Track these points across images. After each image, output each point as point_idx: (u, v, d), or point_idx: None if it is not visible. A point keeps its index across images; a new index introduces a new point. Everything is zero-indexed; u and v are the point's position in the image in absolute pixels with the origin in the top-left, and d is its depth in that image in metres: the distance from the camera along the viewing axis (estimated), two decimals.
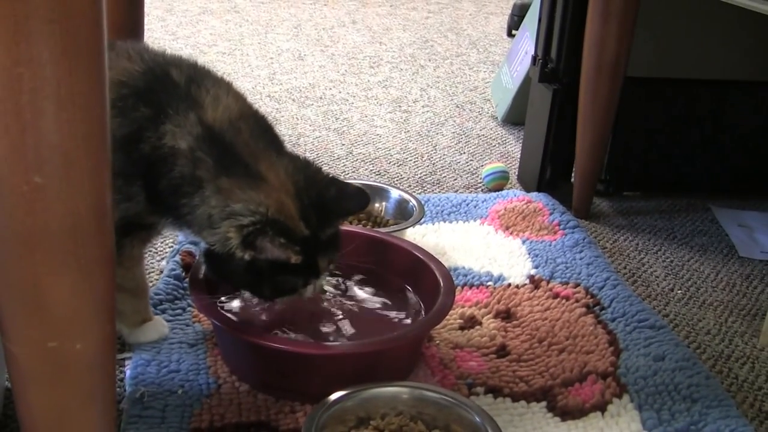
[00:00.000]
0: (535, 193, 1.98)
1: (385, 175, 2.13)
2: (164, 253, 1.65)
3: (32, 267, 0.76)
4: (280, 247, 1.14)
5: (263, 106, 2.47)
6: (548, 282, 1.61)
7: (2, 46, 0.68)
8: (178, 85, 1.18)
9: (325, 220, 1.21)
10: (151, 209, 1.20)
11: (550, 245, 1.75)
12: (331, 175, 1.26)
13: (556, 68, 2.01)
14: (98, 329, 0.81)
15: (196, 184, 1.14)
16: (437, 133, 2.45)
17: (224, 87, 1.23)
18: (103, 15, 0.72)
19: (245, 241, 1.13)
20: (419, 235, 1.74)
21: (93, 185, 0.76)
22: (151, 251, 1.63)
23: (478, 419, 1.14)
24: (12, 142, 0.71)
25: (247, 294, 1.35)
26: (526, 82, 2.33)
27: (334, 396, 1.16)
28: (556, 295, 1.56)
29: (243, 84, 2.47)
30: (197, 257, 1.44)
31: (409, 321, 1.39)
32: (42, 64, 0.69)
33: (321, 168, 1.26)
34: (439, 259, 1.46)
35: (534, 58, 2.07)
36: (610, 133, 1.94)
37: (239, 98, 1.24)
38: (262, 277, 1.19)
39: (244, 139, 1.18)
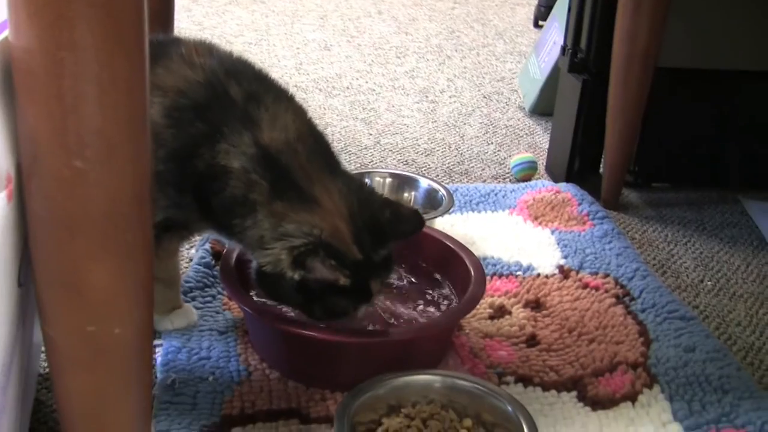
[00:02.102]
0: (563, 184, 1.97)
1: (412, 164, 2.13)
2: (194, 241, 1.65)
3: (72, 251, 0.76)
4: (330, 268, 1.14)
5: None
6: (577, 272, 1.61)
7: (45, 31, 0.69)
8: (236, 103, 1.16)
9: (378, 242, 1.20)
10: (200, 217, 1.21)
11: (579, 236, 1.74)
12: (384, 197, 1.26)
13: (585, 58, 2.00)
14: (136, 314, 0.81)
15: (249, 206, 1.14)
16: (464, 124, 2.45)
17: (284, 103, 1.21)
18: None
19: (296, 261, 1.13)
20: (448, 225, 1.73)
21: (134, 170, 0.76)
22: None
23: (509, 408, 1.14)
24: (54, 126, 0.72)
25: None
26: (555, 73, 2.32)
27: (365, 384, 1.16)
28: (585, 286, 1.56)
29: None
30: (227, 245, 1.45)
31: (440, 310, 1.39)
32: (84, 48, 0.70)
33: (374, 189, 1.25)
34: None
35: (563, 48, 2.06)
36: (639, 124, 1.93)
37: (298, 115, 1.22)
38: (313, 299, 1.19)
39: (300, 161, 1.17)
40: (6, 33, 0.74)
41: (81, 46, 0.69)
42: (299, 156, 1.17)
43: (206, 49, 1.22)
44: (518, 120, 2.51)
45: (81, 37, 0.69)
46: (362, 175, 1.75)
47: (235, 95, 1.17)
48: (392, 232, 1.23)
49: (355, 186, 1.22)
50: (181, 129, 1.14)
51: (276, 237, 1.13)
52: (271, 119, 1.17)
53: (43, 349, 1.24)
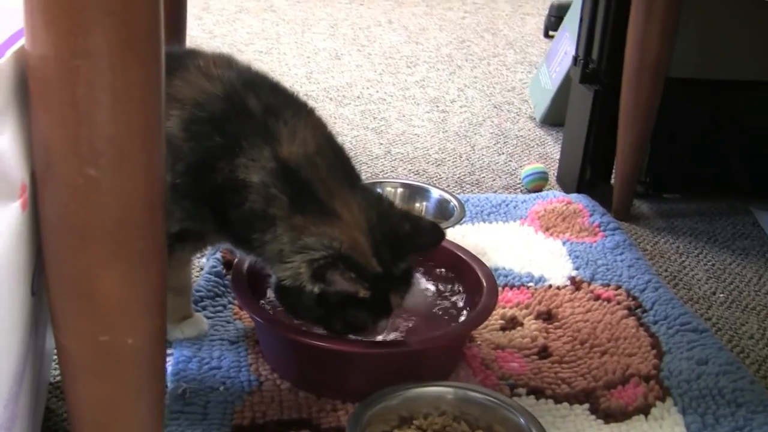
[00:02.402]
0: (575, 195, 1.97)
1: (423, 174, 2.13)
2: (205, 250, 1.65)
3: (85, 259, 0.76)
4: (350, 281, 1.13)
5: None
6: (589, 284, 1.60)
7: (60, 38, 0.69)
8: (255, 116, 1.16)
9: (398, 256, 1.19)
10: (216, 229, 1.20)
11: (590, 247, 1.74)
12: (404, 210, 1.26)
13: (597, 69, 2.00)
14: (149, 323, 0.81)
15: (268, 221, 1.14)
16: (475, 134, 2.44)
17: (303, 116, 1.21)
18: (161, 8, 0.73)
19: (315, 273, 1.12)
20: (459, 235, 1.73)
21: (146, 178, 0.76)
22: None
23: (522, 420, 1.14)
24: (68, 134, 0.72)
25: None
26: (566, 83, 2.32)
27: (377, 395, 1.16)
28: (597, 297, 1.55)
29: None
30: (239, 255, 1.44)
31: (452, 321, 1.39)
32: (99, 56, 0.70)
33: (393, 203, 1.25)
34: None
35: (575, 59, 2.06)
36: (650, 135, 1.92)
37: (318, 128, 1.22)
38: (333, 312, 1.18)
39: (319, 175, 1.16)
40: (22, 41, 0.74)
41: (96, 54, 0.69)
42: (319, 170, 1.17)
43: (224, 61, 1.22)
44: (529, 130, 2.51)
45: (96, 46, 0.69)
46: (374, 184, 1.75)
47: (253, 108, 1.16)
48: (411, 245, 1.22)
49: (375, 199, 1.21)
50: (199, 142, 1.13)
51: (295, 250, 1.13)
52: (291, 133, 1.16)
53: (54, 357, 1.25)
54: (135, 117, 0.73)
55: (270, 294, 1.37)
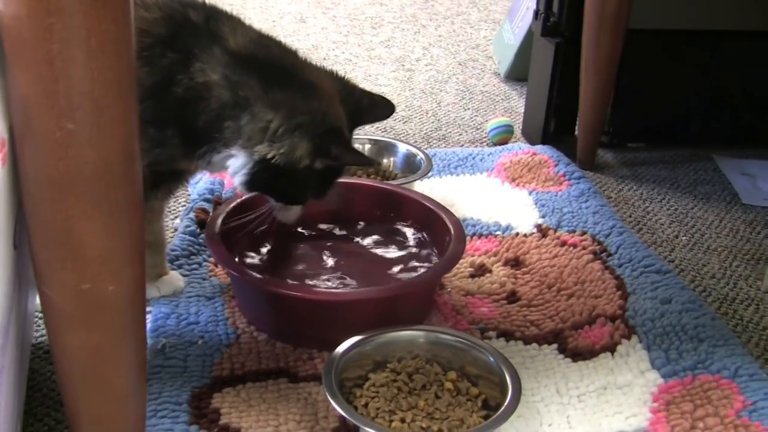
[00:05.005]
0: (540, 146, 2.01)
1: (391, 131, 2.15)
2: (177, 212, 1.67)
3: (65, 211, 0.78)
4: (352, 153, 1.23)
5: None
6: (555, 231, 1.64)
7: None
8: (198, 25, 1.20)
9: (354, 127, 1.29)
10: (184, 152, 1.22)
11: (556, 196, 1.77)
12: (359, 86, 1.33)
13: (558, 22, 2.03)
14: (129, 271, 0.84)
15: (240, 105, 1.16)
16: (441, 91, 2.47)
17: (237, 19, 1.25)
18: None
19: (319, 150, 1.17)
20: (427, 188, 1.76)
21: (123, 130, 0.78)
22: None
23: (492, 360, 1.18)
24: (44, 89, 0.74)
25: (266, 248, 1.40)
26: (528, 38, 2.35)
27: (351, 341, 1.19)
28: (563, 243, 1.59)
29: None
30: (211, 214, 1.47)
31: (422, 268, 1.41)
32: (72, 13, 0.72)
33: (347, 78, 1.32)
34: None
35: (536, 13, 2.08)
36: (613, 86, 1.95)
37: (253, 27, 1.27)
38: (317, 183, 1.24)
39: (276, 54, 1.22)
40: None
41: (68, 11, 0.71)
42: (273, 50, 1.23)
43: None
44: (494, 86, 2.54)
45: (69, 3, 0.71)
46: None
47: (195, 19, 1.20)
48: (370, 117, 1.35)
49: (334, 73, 1.29)
50: (153, 65, 1.16)
51: (291, 127, 1.16)
52: (231, 30, 1.21)
53: (35, 318, 1.28)
54: (109, 71, 0.75)
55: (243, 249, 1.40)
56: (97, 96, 0.75)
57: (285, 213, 1.29)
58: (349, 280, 1.37)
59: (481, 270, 1.50)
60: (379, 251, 1.46)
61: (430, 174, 1.74)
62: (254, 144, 1.17)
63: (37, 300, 1.10)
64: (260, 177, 1.20)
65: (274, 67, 1.20)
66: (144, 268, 0.87)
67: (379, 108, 1.34)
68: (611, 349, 1.31)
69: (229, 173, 1.22)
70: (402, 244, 1.48)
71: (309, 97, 1.19)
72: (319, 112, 1.18)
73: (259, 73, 1.17)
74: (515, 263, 1.53)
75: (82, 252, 0.80)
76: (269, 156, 1.17)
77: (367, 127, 2.12)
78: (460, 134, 2.17)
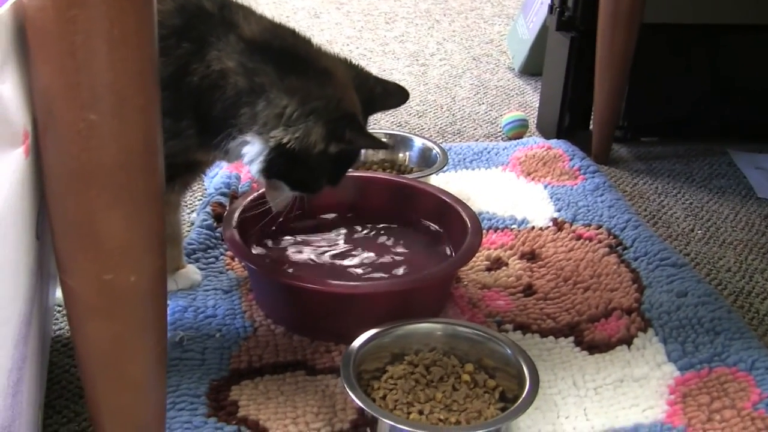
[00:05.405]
0: (554, 140, 2.01)
1: (405, 126, 2.16)
2: (194, 206, 1.68)
3: (87, 202, 0.79)
4: (366, 136, 1.24)
5: None
6: (571, 224, 1.64)
7: None
8: (212, 14, 1.20)
9: (368, 114, 1.29)
10: (199, 142, 1.22)
11: (571, 189, 1.78)
12: (373, 74, 1.33)
13: (573, 16, 2.03)
14: (151, 261, 0.84)
15: (257, 91, 1.17)
16: (455, 85, 2.47)
17: (249, 8, 1.25)
18: None
19: (333, 134, 1.18)
20: (443, 183, 1.76)
21: (145, 122, 0.79)
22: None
23: (509, 352, 1.18)
24: (67, 81, 0.74)
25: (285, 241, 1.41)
26: (543, 33, 2.35)
27: (369, 333, 1.20)
28: (579, 237, 1.59)
29: None
30: (228, 207, 1.47)
31: (438, 262, 1.42)
32: (95, 5, 0.72)
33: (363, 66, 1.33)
34: None
35: (551, 7, 2.08)
36: (627, 81, 1.95)
37: (265, 16, 1.27)
38: (331, 169, 1.25)
39: (291, 42, 1.23)
40: None
41: (92, 3, 0.72)
42: (288, 38, 1.23)
43: None
44: (508, 80, 2.54)
45: None
46: None
47: (210, 8, 1.21)
48: (383, 105, 1.35)
49: (348, 60, 1.30)
50: (169, 56, 1.16)
51: (306, 112, 1.17)
52: (245, 18, 1.21)
53: (54, 312, 1.28)
54: (132, 63, 0.75)
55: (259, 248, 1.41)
56: (120, 87, 0.75)
57: (275, 198, 1.29)
58: (364, 273, 1.37)
59: (497, 263, 1.51)
60: (394, 244, 1.47)
61: (445, 168, 1.74)
62: (270, 129, 1.17)
63: (57, 293, 1.11)
64: (276, 163, 1.20)
65: (288, 54, 1.20)
66: (165, 260, 0.88)
67: (392, 95, 1.34)
68: (627, 341, 1.31)
69: (245, 162, 1.22)
70: (418, 238, 1.49)
71: (323, 84, 1.19)
72: (333, 98, 1.19)
73: (274, 60, 1.18)
74: (531, 257, 1.53)
75: (103, 243, 0.80)
76: (284, 141, 1.17)
77: (383, 121, 2.16)
78: (475, 129, 2.17)
